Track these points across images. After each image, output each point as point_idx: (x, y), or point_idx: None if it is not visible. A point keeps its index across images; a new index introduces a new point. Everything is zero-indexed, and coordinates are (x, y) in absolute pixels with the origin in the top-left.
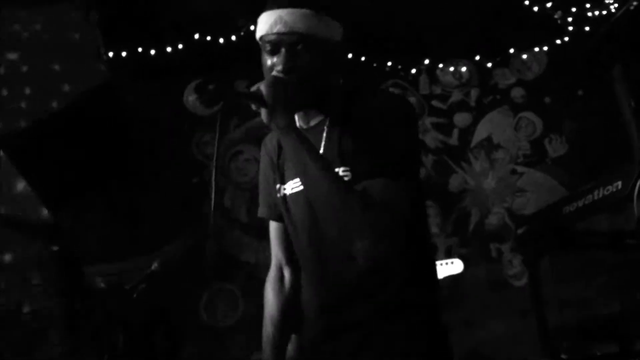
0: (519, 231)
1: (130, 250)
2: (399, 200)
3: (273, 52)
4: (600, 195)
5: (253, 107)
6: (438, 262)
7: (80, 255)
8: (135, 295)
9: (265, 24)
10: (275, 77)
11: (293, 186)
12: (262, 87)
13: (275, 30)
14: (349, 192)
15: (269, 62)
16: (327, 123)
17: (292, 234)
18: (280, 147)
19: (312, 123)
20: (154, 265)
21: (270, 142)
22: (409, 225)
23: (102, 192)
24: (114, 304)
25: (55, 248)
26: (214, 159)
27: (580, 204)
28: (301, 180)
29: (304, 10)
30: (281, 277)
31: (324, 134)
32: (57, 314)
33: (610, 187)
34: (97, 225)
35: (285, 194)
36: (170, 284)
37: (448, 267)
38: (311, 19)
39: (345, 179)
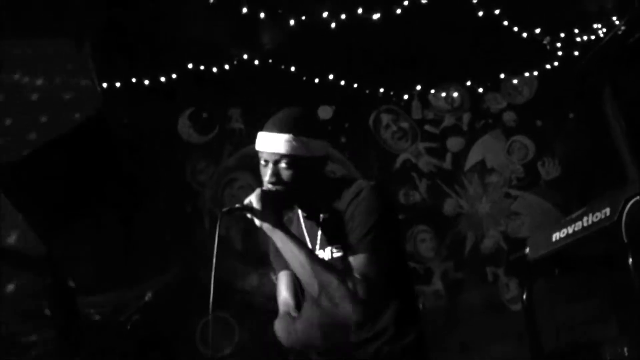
0: (510, 257)
1: (123, 280)
2: (381, 271)
3: (265, 165)
4: (590, 222)
5: (248, 215)
6: None
7: (73, 287)
8: (129, 327)
9: (260, 142)
10: (262, 191)
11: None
12: (253, 199)
13: (264, 149)
14: (330, 271)
15: (262, 170)
16: (322, 212)
17: (294, 296)
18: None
19: (304, 214)
20: (148, 296)
21: None
22: (389, 283)
23: (94, 222)
24: (108, 335)
25: (49, 280)
26: (214, 260)
27: (570, 230)
28: (292, 266)
29: (285, 135)
30: (289, 315)
31: (319, 223)
32: (52, 345)
33: (598, 214)
34: (90, 255)
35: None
36: (164, 314)
37: None
38: (291, 142)
39: (337, 254)
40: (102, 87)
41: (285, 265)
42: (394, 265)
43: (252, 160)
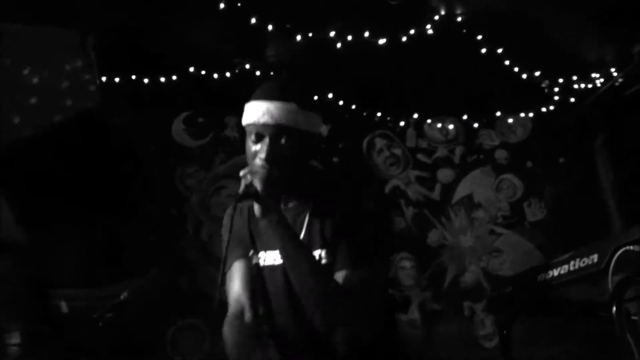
0: (492, 294)
1: (100, 278)
2: (373, 291)
3: (257, 140)
4: (576, 267)
5: (248, 203)
6: None
7: (48, 278)
8: (101, 324)
9: (253, 113)
10: (269, 174)
11: (267, 259)
12: (257, 184)
13: (262, 121)
14: (332, 286)
15: (253, 148)
16: (310, 208)
17: (264, 298)
18: (250, 216)
19: (291, 205)
20: (123, 295)
21: (243, 210)
22: (378, 304)
23: (77, 216)
24: (79, 330)
25: (25, 270)
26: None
27: (555, 273)
28: (289, 270)
29: (289, 105)
30: (242, 317)
31: (306, 219)
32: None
33: (586, 260)
34: (69, 249)
35: (258, 263)
36: (138, 316)
37: None
38: (296, 112)
39: (324, 260)
40: (101, 81)
41: (239, 255)
42: (383, 287)
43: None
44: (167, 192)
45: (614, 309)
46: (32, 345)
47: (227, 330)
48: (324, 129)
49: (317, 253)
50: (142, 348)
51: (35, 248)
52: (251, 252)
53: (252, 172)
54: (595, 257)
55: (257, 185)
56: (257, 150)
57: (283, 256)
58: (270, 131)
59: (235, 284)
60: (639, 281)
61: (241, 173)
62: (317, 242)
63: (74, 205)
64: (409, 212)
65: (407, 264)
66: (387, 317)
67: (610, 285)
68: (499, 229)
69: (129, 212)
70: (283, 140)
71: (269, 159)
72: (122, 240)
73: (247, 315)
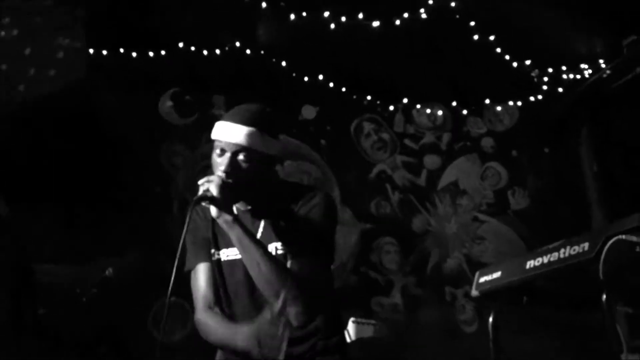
0: (480, 279)
1: (84, 254)
2: (320, 277)
3: (220, 154)
4: (566, 255)
5: (203, 204)
6: (357, 320)
7: (30, 253)
8: (84, 300)
9: (220, 130)
10: (223, 182)
11: (228, 254)
12: (212, 188)
13: (224, 139)
14: (284, 271)
15: (217, 160)
16: (266, 211)
17: (224, 293)
18: (214, 219)
19: (249, 207)
20: (108, 271)
21: (208, 213)
22: (327, 288)
23: (60, 191)
24: (63, 306)
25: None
26: (179, 248)
27: (545, 260)
28: (246, 262)
29: (250, 129)
30: (212, 309)
31: (262, 221)
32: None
33: (576, 247)
34: (53, 225)
35: (220, 259)
36: (122, 293)
37: (364, 328)
38: (253, 135)
39: (280, 252)
40: (88, 52)
41: (204, 258)
42: (330, 272)
43: None
44: (152, 170)
45: (604, 298)
46: (13, 320)
47: (203, 320)
48: (279, 150)
49: (272, 246)
50: (124, 326)
51: (17, 221)
52: (212, 250)
53: (208, 181)
54: (586, 246)
55: (213, 190)
56: (219, 162)
57: (239, 250)
58: (231, 148)
59: (201, 283)
60: (629, 271)
61: (199, 182)
62: (272, 237)
63: (58, 180)
64: (395, 197)
65: (391, 248)
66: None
67: (601, 274)
68: (482, 217)
69: (113, 189)
70: (241, 157)
71: (227, 170)
72: (106, 217)
73: (215, 309)
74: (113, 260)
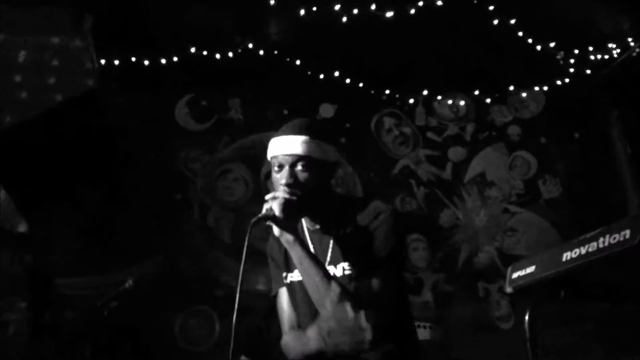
0: (513, 275)
1: (104, 265)
2: (387, 297)
3: (279, 169)
4: (606, 244)
5: (267, 223)
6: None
7: (51, 268)
8: (106, 313)
9: (274, 147)
10: (285, 200)
11: (295, 275)
12: (275, 207)
13: (280, 153)
14: (343, 295)
15: (276, 177)
16: (334, 227)
17: (295, 311)
18: None
19: (317, 226)
20: (128, 283)
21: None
22: (396, 311)
23: (78, 203)
24: (84, 319)
25: (27, 258)
26: (241, 269)
27: (582, 250)
28: (306, 283)
29: (302, 137)
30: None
31: (331, 240)
32: (25, 326)
33: (617, 236)
34: (72, 237)
35: (291, 281)
36: (143, 302)
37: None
38: (308, 144)
39: (347, 272)
40: (100, 63)
41: (281, 278)
42: (404, 298)
43: (248, 151)
44: (170, 177)
45: None
46: (35, 335)
47: (291, 340)
48: (337, 156)
49: (340, 266)
50: (146, 336)
51: (37, 236)
52: (284, 273)
53: (273, 198)
54: (627, 233)
55: (275, 209)
56: (279, 178)
57: (300, 271)
58: (288, 161)
59: (284, 306)
60: None
61: (266, 197)
62: (340, 257)
63: (76, 192)
64: (420, 192)
65: (419, 245)
66: (407, 325)
67: None
68: (513, 208)
69: (132, 198)
70: (299, 167)
71: (289, 182)
72: (125, 226)
73: (298, 329)
74: (134, 269)
